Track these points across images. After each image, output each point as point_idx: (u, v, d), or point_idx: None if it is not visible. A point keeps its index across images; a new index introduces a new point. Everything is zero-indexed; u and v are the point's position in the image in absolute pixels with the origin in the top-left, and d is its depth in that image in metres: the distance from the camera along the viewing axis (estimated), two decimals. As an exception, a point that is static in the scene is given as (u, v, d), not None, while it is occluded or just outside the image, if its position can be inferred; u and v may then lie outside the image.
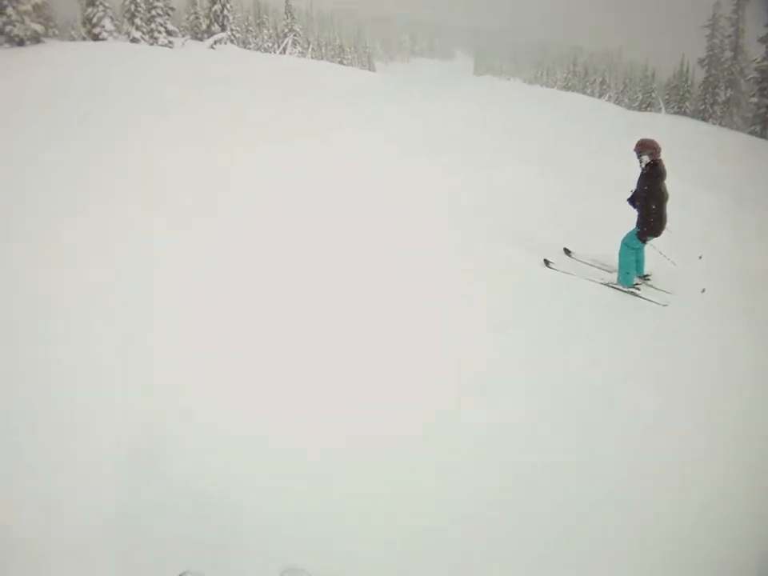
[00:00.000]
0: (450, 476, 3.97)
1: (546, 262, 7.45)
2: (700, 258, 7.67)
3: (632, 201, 7.13)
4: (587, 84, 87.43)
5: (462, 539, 3.45)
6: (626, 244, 6.96)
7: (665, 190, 6.67)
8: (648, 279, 7.40)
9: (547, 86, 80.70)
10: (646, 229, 6.73)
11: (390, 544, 3.41)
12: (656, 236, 6.86)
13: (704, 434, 4.64)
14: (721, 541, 3.53)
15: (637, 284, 7.11)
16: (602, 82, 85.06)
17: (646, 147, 6.57)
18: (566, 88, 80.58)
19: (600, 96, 76.13)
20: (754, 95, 39.87)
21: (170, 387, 4.60)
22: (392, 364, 5.15)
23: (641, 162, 6.63)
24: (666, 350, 5.96)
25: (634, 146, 6.70)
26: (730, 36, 45.97)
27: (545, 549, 3.45)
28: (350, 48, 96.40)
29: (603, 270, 7.60)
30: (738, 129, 44.98)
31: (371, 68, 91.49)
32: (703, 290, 7.02)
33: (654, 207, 6.59)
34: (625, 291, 6.99)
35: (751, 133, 39.41)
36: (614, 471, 4.14)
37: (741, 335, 6.38)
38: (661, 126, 22.72)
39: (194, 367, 4.86)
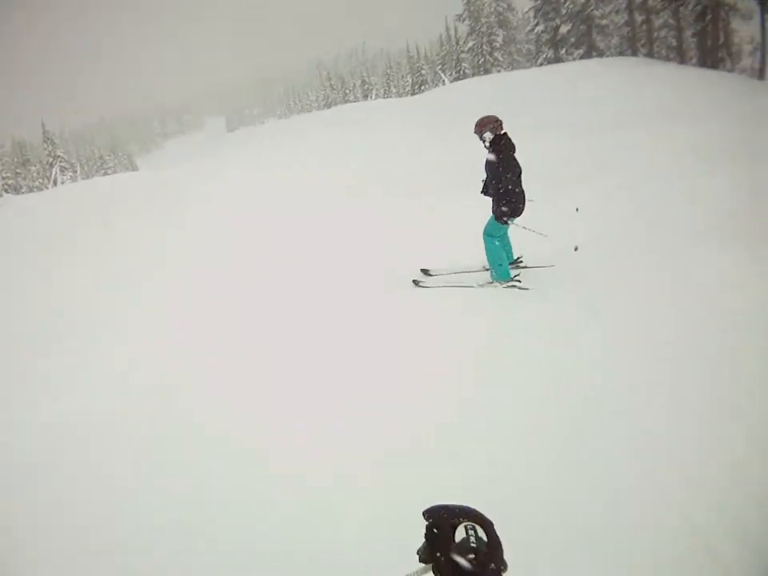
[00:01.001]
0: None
1: (416, 282, 7.15)
2: (576, 249, 7.01)
3: (486, 190, 6.65)
4: (347, 92, 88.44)
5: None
6: (488, 235, 6.55)
7: (517, 163, 6.34)
8: (520, 262, 7.11)
9: (305, 112, 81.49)
10: (505, 209, 6.32)
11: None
12: (518, 215, 6.45)
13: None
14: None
15: (516, 276, 6.69)
16: (363, 83, 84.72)
17: (485, 124, 6.28)
18: (327, 105, 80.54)
19: (366, 97, 77.17)
20: (537, 24, 39.28)
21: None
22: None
23: (484, 141, 6.33)
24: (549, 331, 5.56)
25: (473, 130, 6.41)
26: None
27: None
28: (110, 156, 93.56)
29: (475, 272, 7.22)
30: (524, 66, 45.57)
31: (133, 168, 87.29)
32: (576, 248, 6.86)
33: (510, 185, 6.23)
34: (505, 287, 6.59)
35: (545, 61, 39.13)
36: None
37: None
38: (445, 99, 23.37)
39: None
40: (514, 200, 6.26)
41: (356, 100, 76.59)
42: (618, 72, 22.96)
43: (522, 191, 6.36)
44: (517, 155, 6.38)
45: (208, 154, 29.04)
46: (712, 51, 27.04)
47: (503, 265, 6.58)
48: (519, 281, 6.59)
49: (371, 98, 73.74)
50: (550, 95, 20.49)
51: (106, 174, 65.35)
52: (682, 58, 31.16)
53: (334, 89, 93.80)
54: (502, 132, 6.23)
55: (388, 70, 79.05)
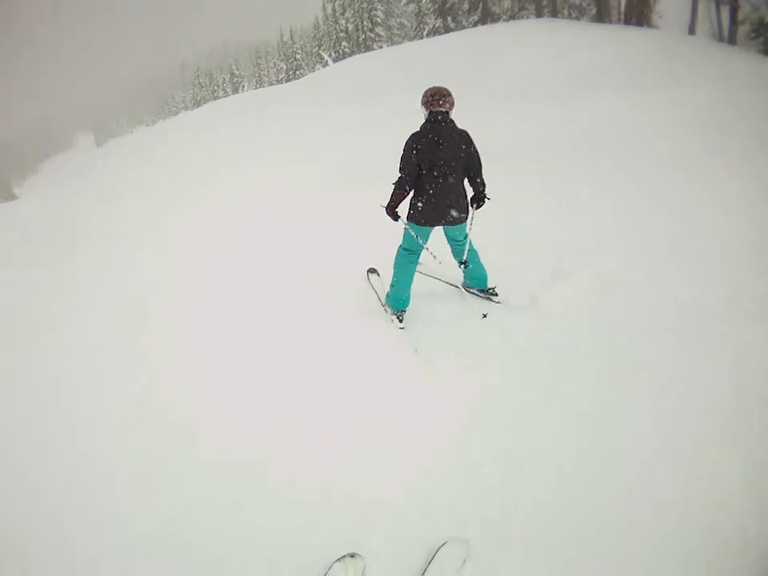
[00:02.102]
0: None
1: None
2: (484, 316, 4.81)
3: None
4: (215, 88, 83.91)
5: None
6: (400, 246, 4.89)
7: (442, 155, 4.37)
8: (492, 293, 5.12)
9: (174, 114, 77.00)
10: (410, 211, 4.63)
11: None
12: (429, 223, 4.61)
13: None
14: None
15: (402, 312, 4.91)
16: (233, 76, 79.12)
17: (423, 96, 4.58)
18: (196, 104, 76.80)
19: (235, 91, 74.14)
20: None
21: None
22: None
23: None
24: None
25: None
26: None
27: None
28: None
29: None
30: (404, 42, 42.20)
31: (10, 197, 77.64)
32: (484, 316, 4.73)
33: (423, 181, 4.48)
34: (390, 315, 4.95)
35: (432, 33, 35.61)
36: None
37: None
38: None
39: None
40: (421, 202, 4.49)
41: (226, 95, 73.68)
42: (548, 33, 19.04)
43: (444, 193, 4.45)
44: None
45: (78, 172, 25.75)
46: (636, 6, 23.78)
47: (400, 290, 4.81)
48: (401, 319, 4.84)
49: (242, 90, 69.96)
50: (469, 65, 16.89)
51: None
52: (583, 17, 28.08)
53: (202, 86, 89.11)
54: (437, 109, 4.40)
55: (258, 60, 73.94)
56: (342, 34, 48.43)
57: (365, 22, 44.76)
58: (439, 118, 4.37)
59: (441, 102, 4.37)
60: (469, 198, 4.63)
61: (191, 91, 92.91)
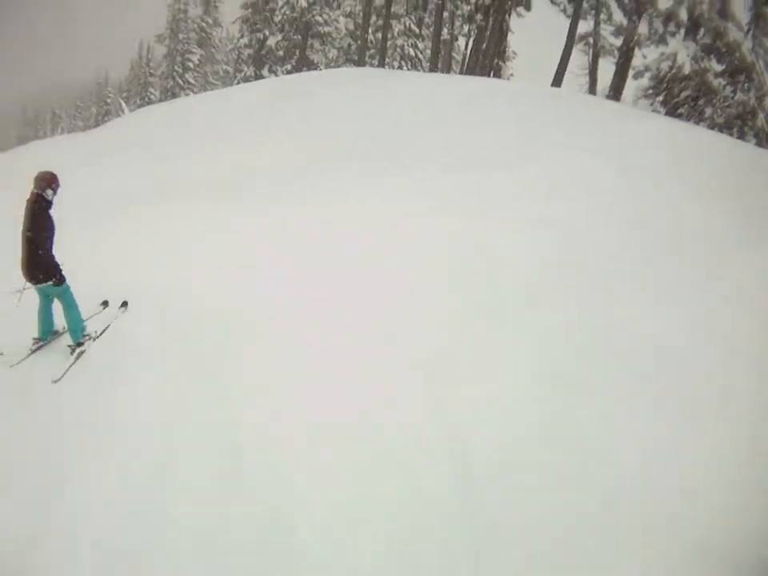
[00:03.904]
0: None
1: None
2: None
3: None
4: (38, 126, 75.19)
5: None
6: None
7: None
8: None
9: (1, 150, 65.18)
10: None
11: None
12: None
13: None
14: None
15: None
16: (54, 116, 69.78)
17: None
18: (21, 141, 65.71)
19: (53, 132, 66.35)
20: (242, 37, 27.38)
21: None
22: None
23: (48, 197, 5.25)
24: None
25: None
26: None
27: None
28: None
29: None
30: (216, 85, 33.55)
31: None
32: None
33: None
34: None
35: (242, 81, 26.87)
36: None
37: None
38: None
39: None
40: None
41: (45, 135, 64.38)
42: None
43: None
44: None
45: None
46: (492, 56, 16.13)
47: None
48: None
49: (58, 132, 62.67)
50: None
51: None
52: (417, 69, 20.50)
53: (27, 124, 79.88)
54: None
55: (78, 102, 63.36)
56: (150, 79, 38.65)
57: (176, 68, 35.19)
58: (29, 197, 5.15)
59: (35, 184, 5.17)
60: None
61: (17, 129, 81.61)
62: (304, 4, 25.80)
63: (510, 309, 5.10)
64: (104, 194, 9.29)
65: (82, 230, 7.18)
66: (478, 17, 18.56)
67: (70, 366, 5.04)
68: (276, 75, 25.95)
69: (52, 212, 5.10)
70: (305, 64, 24.86)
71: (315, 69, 24.08)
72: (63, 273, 5.14)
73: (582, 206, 6.41)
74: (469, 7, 18.92)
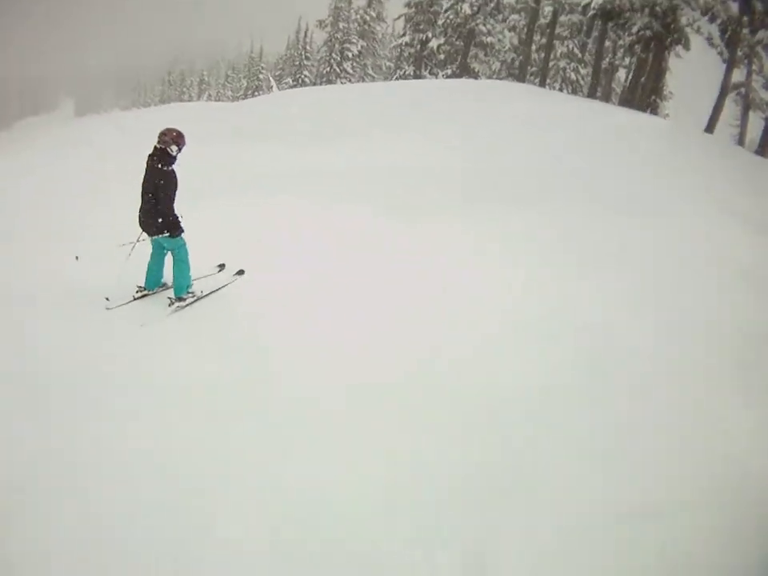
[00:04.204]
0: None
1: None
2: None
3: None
4: (184, 90, 78.44)
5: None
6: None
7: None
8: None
9: (144, 106, 71.72)
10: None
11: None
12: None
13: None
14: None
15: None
16: (201, 82, 73.71)
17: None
18: (162, 101, 72.70)
19: (199, 97, 69.40)
20: (404, 34, 29.91)
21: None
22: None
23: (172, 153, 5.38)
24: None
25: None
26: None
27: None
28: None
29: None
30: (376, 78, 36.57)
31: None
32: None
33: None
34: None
35: (400, 79, 29.59)
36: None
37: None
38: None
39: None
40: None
41: (190, 99, 69.94)
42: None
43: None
44: None
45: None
46: (650, 92, 17.95)
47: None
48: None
49: (204, 98, 66.85)
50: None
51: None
52: (576, 93, 22.45)
53: (171, 85, 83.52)
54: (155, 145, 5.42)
55: (228, 72, 67.93)
56: (305, 62, 42.30)
57: (334, 54, 38.53)
58: (151, 152, 5.27)
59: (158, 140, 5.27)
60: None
61: (160, 87, 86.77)
62: (468, 11, 28.13)
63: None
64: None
65: (220, 199, 7.85)
66: (637, 48, 20.35)
67: (167, 316, 5.20)
68: (435, 77, 28.59)
69: (175, 167, 5.18)
70: (465, 71, 27.26)
71: (475, 77, 26.49)
72: (182, 226, 5.24)
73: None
74: (631, 38, 20.73)
